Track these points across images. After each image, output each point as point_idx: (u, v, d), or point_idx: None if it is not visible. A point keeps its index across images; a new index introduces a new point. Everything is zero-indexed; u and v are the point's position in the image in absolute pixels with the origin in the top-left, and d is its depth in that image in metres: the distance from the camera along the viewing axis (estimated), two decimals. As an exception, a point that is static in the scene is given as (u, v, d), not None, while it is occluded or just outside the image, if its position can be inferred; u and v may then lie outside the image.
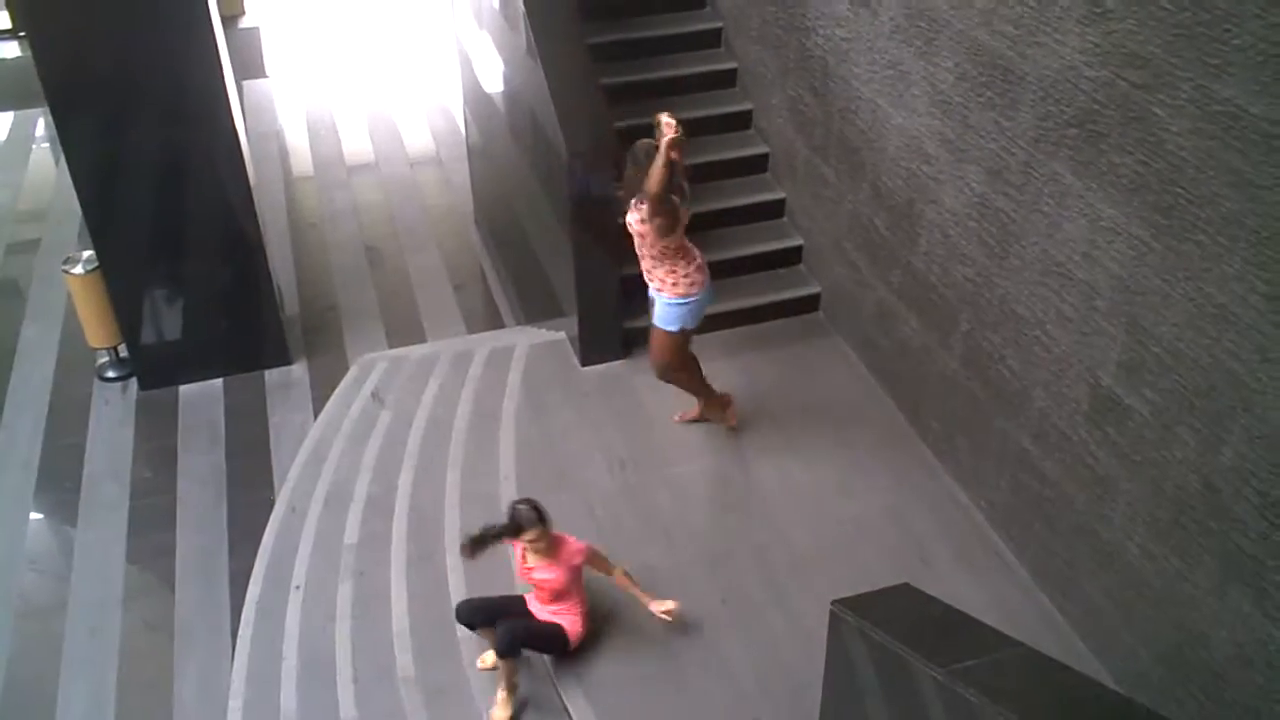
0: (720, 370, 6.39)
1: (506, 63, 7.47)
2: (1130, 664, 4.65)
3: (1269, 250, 3.54)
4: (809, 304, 7.06)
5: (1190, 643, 4.27)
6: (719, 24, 7.68)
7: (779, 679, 4.73)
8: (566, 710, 4.68)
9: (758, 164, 7.39)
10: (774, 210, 7.28)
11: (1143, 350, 4.19)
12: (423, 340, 7.79)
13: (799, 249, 7.16)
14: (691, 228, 7.26)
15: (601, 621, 4.98)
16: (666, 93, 7.43)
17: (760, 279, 7.08)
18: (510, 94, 7.57)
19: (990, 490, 5.46)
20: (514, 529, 4.53)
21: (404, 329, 8.03)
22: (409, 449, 6.25)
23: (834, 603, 3.19)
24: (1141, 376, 4.23)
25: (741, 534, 5.50)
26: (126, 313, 7.03)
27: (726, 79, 7.60)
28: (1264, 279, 3.58)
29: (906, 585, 3.42)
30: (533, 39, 6.50)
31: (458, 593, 5.24)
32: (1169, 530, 4.25)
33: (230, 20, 12.55)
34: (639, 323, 6.76)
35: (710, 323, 6.85)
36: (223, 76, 6.50)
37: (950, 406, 5.65)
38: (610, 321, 6.64)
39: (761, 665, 4.81)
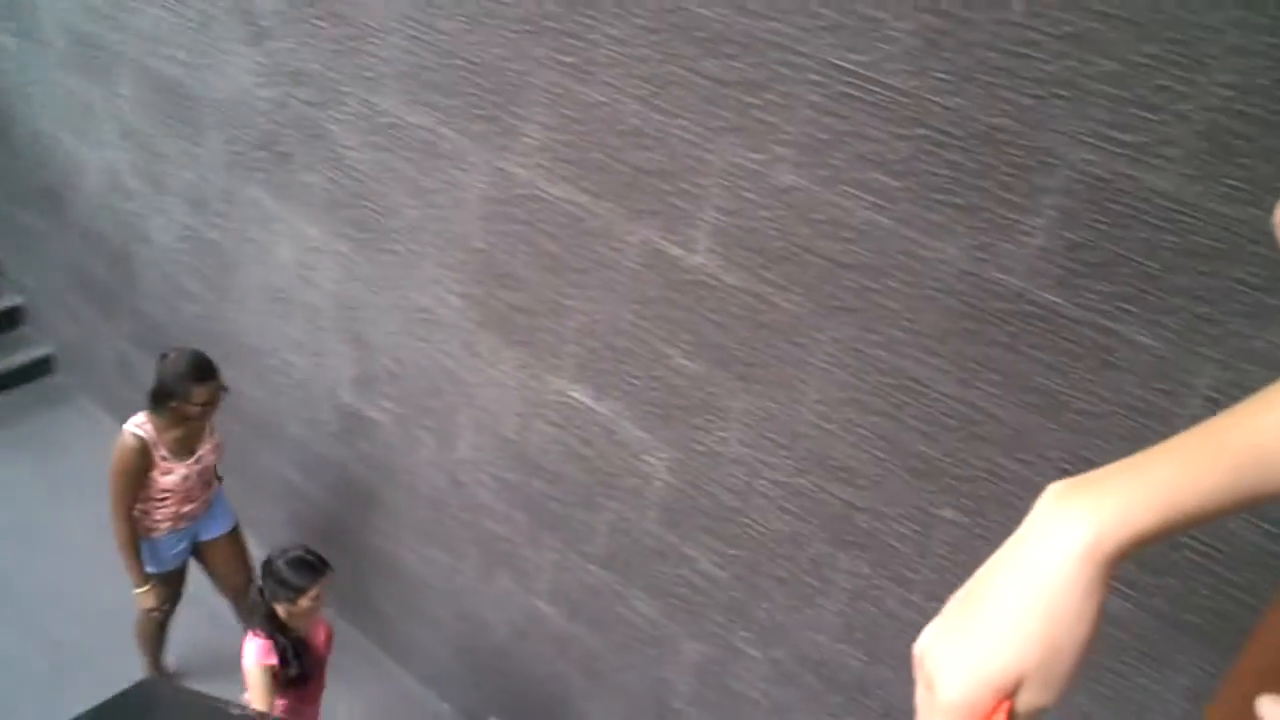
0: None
1: None
2: (433, 665, 4.73)
3: (453, 252, 3.69)
4: (41, 368, 6.24)
5: (476, 630, 4.43)
6: None
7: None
8: None
9: (-54, 220, 6.35)
10: (-21, 270, 6.32)
11: (372, 363, 4.21)
12: None
13: (18, 309, 6.29)
14: None
15: None
16: None
17: (-26, 351, 6.12)
18: None
19: (269, 526, 5.22)
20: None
21: None
22: None
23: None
24: (376, 388, 4.25)
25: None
26: None
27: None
28: (455, 279, 3.73)
29: (146, 680, 3.09)
30: None
31: None
32: (433, 529, 4.35)
33: None
34: None
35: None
36: None
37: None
38: None
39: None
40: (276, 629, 3.65)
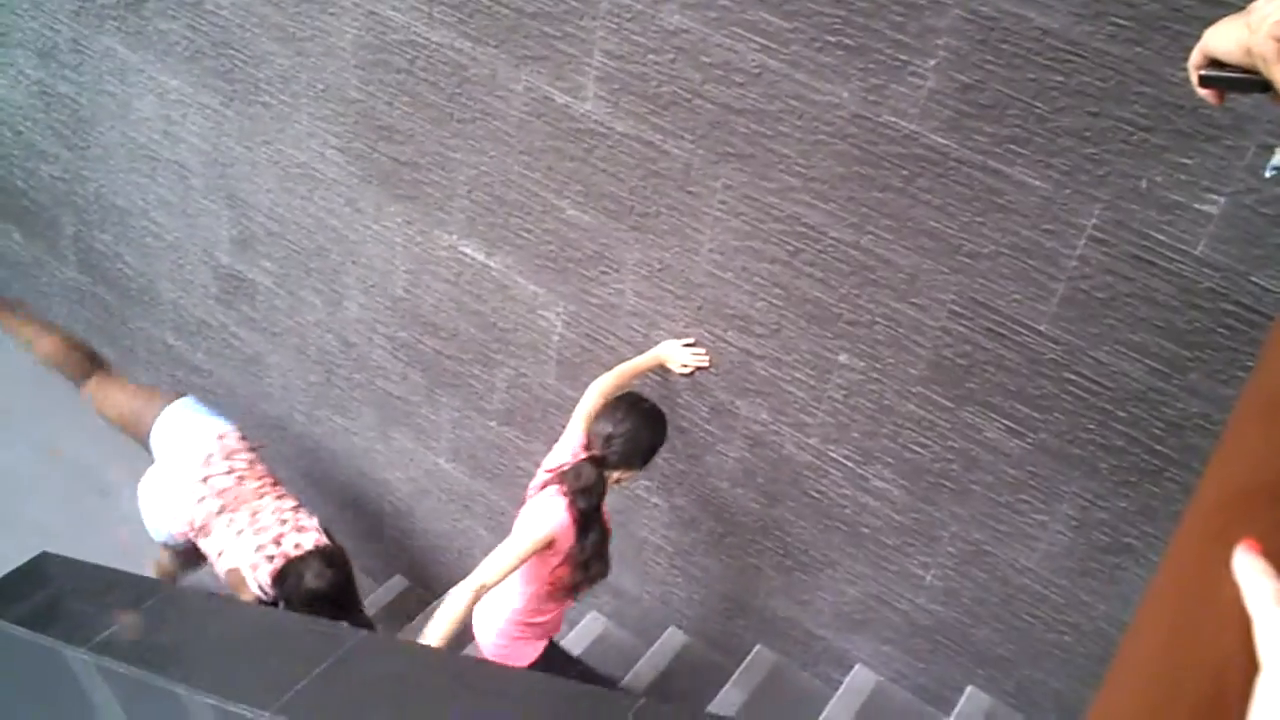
0: None
1: None
2: (331, 525, 4.71)
3: (329, 104, 3.51)
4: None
5: (377, 487, 4.41)
6: None
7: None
8: None
9: None
10: None
11: (249, 222, 4.03)
12: None
13: None
14: None
15: None
16: None
17: None
18: None
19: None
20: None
21: None
22: None
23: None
24: (255, 249, 4.09)
25: None
26: None
27: None
28: (332, 132, 3.56)
29: (44, 554, 2.98)
30: None
31: None
32: (325, 392, 4.27)
33: None
34: None
35: None
36: None
37: (87, 318, 5.08)
38: None
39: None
40: (592, 504, 2.93)
